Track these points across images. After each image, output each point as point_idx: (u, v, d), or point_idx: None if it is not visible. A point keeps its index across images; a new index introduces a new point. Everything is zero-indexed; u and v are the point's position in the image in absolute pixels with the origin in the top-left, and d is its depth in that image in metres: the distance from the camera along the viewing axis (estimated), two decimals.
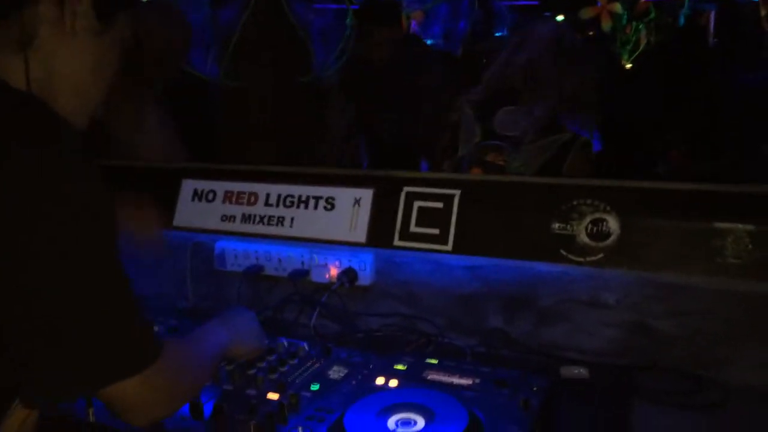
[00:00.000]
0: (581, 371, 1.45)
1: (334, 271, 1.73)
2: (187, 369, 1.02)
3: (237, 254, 1.84)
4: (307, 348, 1.42)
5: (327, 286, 1.70)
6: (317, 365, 1.36)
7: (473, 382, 1.26)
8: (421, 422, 1.11)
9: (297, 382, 1.29)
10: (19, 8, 0.89)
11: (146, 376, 0.88)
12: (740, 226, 1.12)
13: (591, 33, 4.48)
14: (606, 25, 4.37)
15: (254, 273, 1.82)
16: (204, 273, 1.90)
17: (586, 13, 4.41)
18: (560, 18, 4.78)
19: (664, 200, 1.21)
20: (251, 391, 1.25)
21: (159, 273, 1.91)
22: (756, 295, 1.36)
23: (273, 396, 1.22)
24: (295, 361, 1.37)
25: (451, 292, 1.66)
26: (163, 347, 0.92)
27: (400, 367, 1.33)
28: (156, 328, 1.36)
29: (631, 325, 1.51)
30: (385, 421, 1.11)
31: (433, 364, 1.34)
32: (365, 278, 1.72)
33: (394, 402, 1.16)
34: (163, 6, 2.72)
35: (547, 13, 5.37)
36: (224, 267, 1.85)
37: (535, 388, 1.23)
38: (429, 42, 5.07)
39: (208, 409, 1.19)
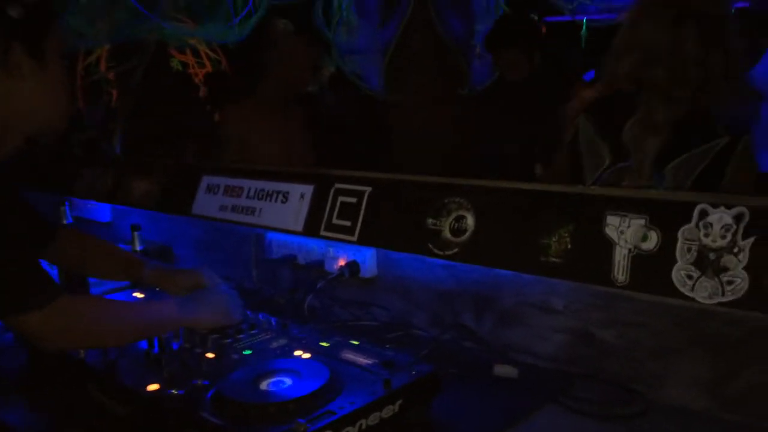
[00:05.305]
0: (511, 370, 1.49)
1: (342, 262, 1.94)
2: (91, 321, 1.33)
3: (279, 244, 2.14)
4: (271, 322, 1.65)
5: (335, 275, 1.92)
6: (268, 336, 1.59)
7: (371, 361, 1.39)
8: (289, 382, 1.30)
9: (238, 347, 1.53)
10: None
11: (37, 317, 1.20)
12: (563, 226, 1.10)
13: None
14: None
15: (290, 261, 2.11)
16: (261, 259, 2.23)
17: None
18: None
19: (513, 200, 1.22)
20: (198, 350, 1.53)
21: (231, 260, 2.29)
22: (690, 311, 1.28)
23: (210, 355, 1.49)
24: (254, 332, 1.61)
25: (433, 288, 1.76)
26: (56, 298, 1.23)
27: (323, 344, 1.51)
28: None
29: (577, 332, 1.49)
30: (262, 382, 1.31)
31: (354, 345, 1.49)
32: (367, 271, 1.90)
33: (279, 368, 1.35)
34: (292, 35, 3.18)
35: None
36: (271, 255, 2.17)
37: (413, 372, 1.32)
38: None
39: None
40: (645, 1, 1.72)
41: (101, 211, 2.76)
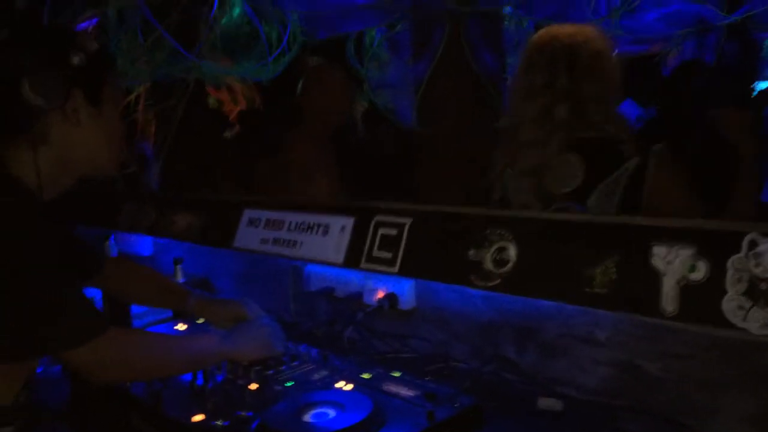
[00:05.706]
0: (555, 403, 1.47)
1: (381, 294, 1.95)
2: (137, 355, 1.34)
3: (318, 277, 2.15)
4: (312, 354, 1.66)
5: (374, 307, 1.92)
6: (309, 368, 1.60)
7: (413, 393, 1.39)
8: (332, 414, 1.30)
9: (280, 378, 1.54)
10: (36, 121, 1.24)
11: (86, 350, 1.22)
12: (608, 257, 1.09)
13: None
14: None
15: (328, 293, 2.12)
16: (299, 292, 2.25)
17: None
18: None
19: (555, 231, 1.22)
20: (241, 381, 1.54)
21: (269, 293, 2.31)
22: (739, 342, 1.26)
23: (253, 386, 1.50)
24: (295, 363, 1.62)
25: (473, 319, 1.76)
26: (103, 333, 1.25)
27: (365, 375, 1.51)
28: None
29: (623, 365, 1.46)
30: (305, 413, 1.32)
31: (396, 376, 1.49)
32: (405, 303, 1.90)
33: (322, 399, 1.36)
34: (330, 68, 3.25)
35: None
36: (309, 287, 2.18)
37: (456, 405, 1.32)
38: None
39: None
40: (523, 56, 1.86)
41: (143, 245, 2.82)
